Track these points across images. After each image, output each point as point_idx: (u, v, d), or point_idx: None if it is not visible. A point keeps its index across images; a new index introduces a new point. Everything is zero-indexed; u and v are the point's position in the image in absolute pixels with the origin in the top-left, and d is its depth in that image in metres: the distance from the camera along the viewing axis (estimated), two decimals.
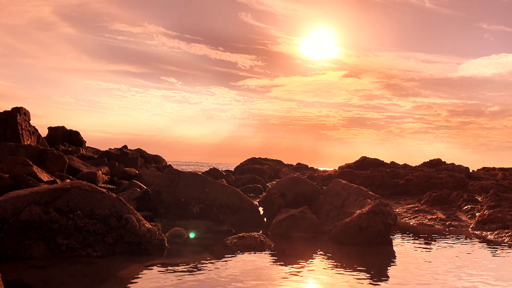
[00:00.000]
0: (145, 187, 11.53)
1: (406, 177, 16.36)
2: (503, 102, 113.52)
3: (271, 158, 40.90)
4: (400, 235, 8.44)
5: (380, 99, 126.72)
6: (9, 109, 22.92)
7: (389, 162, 22.55)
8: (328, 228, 8.04)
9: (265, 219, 9.46)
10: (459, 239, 8.19)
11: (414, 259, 6.29)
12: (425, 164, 21.50)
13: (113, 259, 5.52)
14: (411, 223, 10.32)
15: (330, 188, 9.54)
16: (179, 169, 12.28)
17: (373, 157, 22.98)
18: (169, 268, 5.22)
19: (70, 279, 4.63)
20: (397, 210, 12.10)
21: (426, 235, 8.56)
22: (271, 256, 6.19)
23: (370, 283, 4.89)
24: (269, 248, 6.66)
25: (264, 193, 10.46)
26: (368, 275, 5.24)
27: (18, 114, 22.37)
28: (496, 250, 7.10)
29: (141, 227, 5.99)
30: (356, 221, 7.38)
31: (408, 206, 12.53)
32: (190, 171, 10.74)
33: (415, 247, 7.30)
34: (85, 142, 35.17)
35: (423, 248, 7.21)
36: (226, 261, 5.75)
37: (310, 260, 6.09)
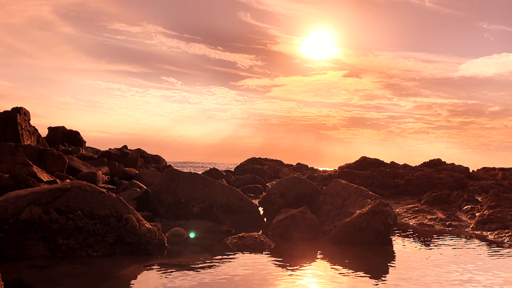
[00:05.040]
0: (145, 187, 11.53)
1: (406, 177, 16.37)
2: (503, 102, 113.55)
3: (271, 158, 40.88)
4: (400, 235, 8.44)
5: (381, 99, 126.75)
6: (9, 109, 22.93)
7: (389, 162, 22.56)
8: (328, 228, 8.04)
9: (265, 219, 9.45)
10: (459, 239, 8.19)
11: (414, 259, 6.29)
12: (425, 164, 21.52)
13: (113, 259, 5.52)
14: (411, 223, 10.32)
15: (330, 188, 9.54)
16: (179, 169, 12.28)
17: (373, 157, 23.01)
18: (169, 268, 5.22)
19: (70, 279, 4.63)
20: (397, 210, 12.10)
21: (426, 235, 8.56)
22: (271, 256, 6.19)
23: (370, 283, 4.89)
24: (269, 248, 6.66)
25: (264, 193, 10.46)
26: (368, 275, 5.24)
27: (18, 114, 22.37)
28: (496, 250, 7.10)
29: (141, 227, 5.99)
30: (356, 221, 7.38)
31: (408, 206, 12.53)
32: (190, 171, 10.74)
33: (415, 247, 7.30)
34: (85, 142, 35.21)
35: (423, 248, 7.21)
36: (226, 261, 5.75)
37: (310, 260, 6.09)
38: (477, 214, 10.35)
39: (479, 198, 12.70)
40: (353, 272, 5.36)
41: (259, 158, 38.83)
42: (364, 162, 22.23)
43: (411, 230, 9.27)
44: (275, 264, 5.75)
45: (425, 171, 18.08)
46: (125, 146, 30.41)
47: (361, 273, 5.32)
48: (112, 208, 5.91)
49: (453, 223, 9.95)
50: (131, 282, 4.62)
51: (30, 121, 24.10)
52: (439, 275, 5.32)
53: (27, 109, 23.76)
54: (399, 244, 7.52)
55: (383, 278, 5.17)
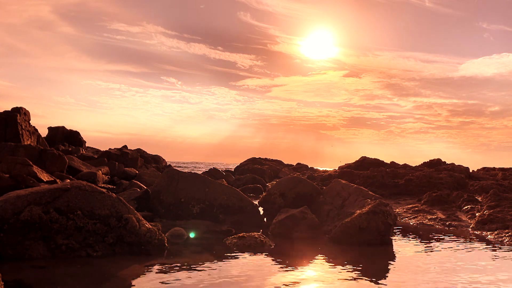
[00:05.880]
0: (145, 187, 11.53)
1: (406, 177, 16.37)
2: (503, 102, 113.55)
3: (271, 158, 40.89)
4: (400, 235, 8.44)
5: (381, 99, 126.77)
6: (9, 109, 22.93)
7: (389, 162, 22.57)
8: (328, 228, 8.04)
9: (265, 219, 9.45)
10: (459, 239, 8.19)
11: (414, 259, 6.29)
12: (425, 164, 21.52)
13: (113, 259, 5.52)
14: (411, 223, 10.33)
15: (330, 188, 9.54)
16: (179, 169, 12.28)
17: (373, 157, 23.02)
18: (169, 268, 5.23)
19: (70, 279, 4.63)
20: (397, 210, 12.11)
21: (426, 235, 8.56)
22: (271, 256, 6.19)
23: (370, 283, 4.89)
24: (269, 248, 6.66)
25: (264, 193, 10.46)
26: (368, 275, 5.24)
27: (18, 114, 22.37)
28: (496, 250, 7.10)
29: (141, 227, 5.99)
30: (356, 221, 7.38)
31: (408, 206, 12.53)
32: (190, 171, 10.74)
33: (415, 247, 7.30)
34: (85, 142, 35.24)
35: (423, 248, 7.21)
36: (226, 261, 5.75)
37: (310, 260, 6.09)
38: (477, 214, 10.35)
39: (479, 198, 12.70)
40: (353, 272, 5.36)
41: (259, 158, 38.84)
42: (364, 162, 22.23)
43: (411, 230, 9.28)
44: (275, 264, 5.75)
45: (425, 171, 18.08)
46: (125, 146, 30.43)
47: (361, 273, 5.32)
48: (112, 208, 5.91)
49: (453, 223, 9.96)
50: (131, 282, 4.62)
51: (30, 121, 24.11)
52: (439, 275, 5.32)
53: (27, 109, 23.78)
54: (399, 244, 7.52)
55: (383, 278, 5.16)
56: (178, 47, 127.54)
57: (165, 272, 5.02)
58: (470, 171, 19.84)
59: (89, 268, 5.08)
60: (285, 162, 40.54)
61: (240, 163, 35.24)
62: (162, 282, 4.62)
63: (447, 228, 9.60)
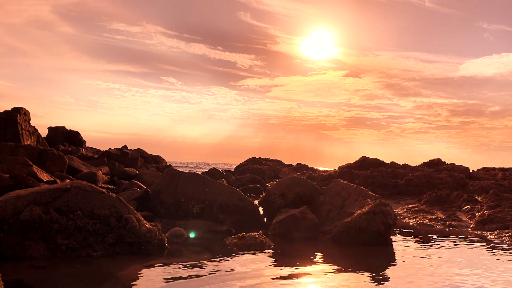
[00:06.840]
0: (145, 187, 11.53)
1: (406, 177, 16.37)
2: (503, 102, 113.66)
3: (271, 158, 40.93)
4: (400, 235, 8.44)
5: (381, 99, 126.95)
6: (9, 109, 22.93)
7: (389, 162, 22.59)
8: (328, 228, 8.04)
9: (265, 219, 9.45)
10: (459, 239, 8.19)
11: (414, 259, 6.29)
12: (425, 164, 21.54)
13: (113, 259, 5.52)
14: (411, 223, 10.33)
15: (330, 188, 9.53)
16: (179, 169, 12.28)
17: (373, 157, 23.03)
18: (169, 268, 5.23)
19: (70, 279, 4.63)
20: (397, 210, 12.11)
21: (426, 235, 8.56)
22: (271, 256, 6.19)
23: (370, 284, 4.89)
24: (269, 248, 6.66)
25: (264, 193, 10.46)
26: (368, 275, 5.24)
27: (18, 114, 22.37)
28: (496, 250, 7.10)
29: (141, 227, 5.99)
30: (356, 221, 7.38)
31: (408, 206, 12.53)
32: (190, 171, 10.74)
33: (415, 247, 7.30)
34: (85, 142, 35.25)
35: (423, 248, 7.21)
36: (226, 261, 5.75)
37: (310, 260, 6.09)
38: (477, 214, 10.35)
39: (479, 198, 12.70)
40: (353, 272, 5.36)
41: (259, 158, 38.87)
42: (364, 162, 22.24)
43: (411, 230, 9.28)
44: (275, 264, 5.75)
45: (425, 171, 18.08)
46: (125, 146, 30.47)
47: (361, 273, 5.32)
48: (112, 208, 5.91)
49: (453, 223, 9.95)
50: (131, 282, 4.62)
51: (30, 121, 24.11)
52: (439, 275, 5.32)
53: (27, 109, 23.78)
54: (399, 244, 7.52)
55: (383, 278, 5.16)
56: (178, 47, 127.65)
57: (165, 272, 5.02)
58: (470, 171, 19.85)
59: (89, 268, 5.08)
60: (285, 162, 40.57)
61: (240, 163, 35.26)
62: (162, 282, 4.62)
63: (447, 228, 9.60)
